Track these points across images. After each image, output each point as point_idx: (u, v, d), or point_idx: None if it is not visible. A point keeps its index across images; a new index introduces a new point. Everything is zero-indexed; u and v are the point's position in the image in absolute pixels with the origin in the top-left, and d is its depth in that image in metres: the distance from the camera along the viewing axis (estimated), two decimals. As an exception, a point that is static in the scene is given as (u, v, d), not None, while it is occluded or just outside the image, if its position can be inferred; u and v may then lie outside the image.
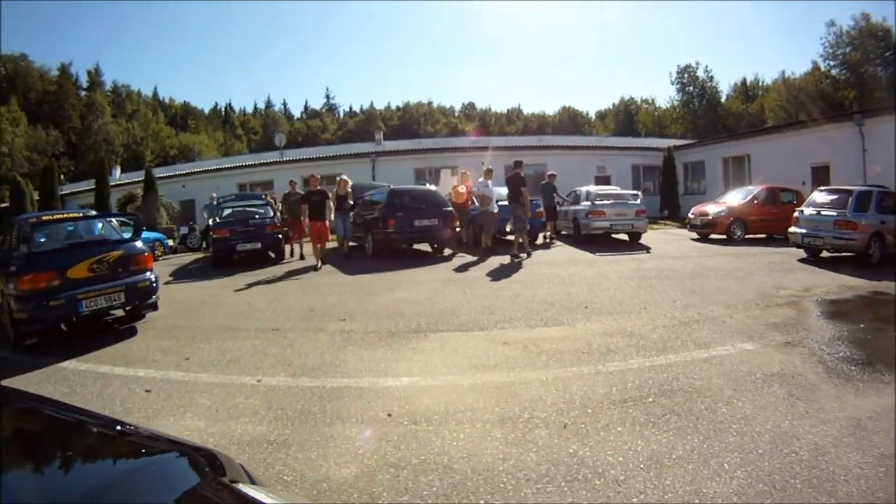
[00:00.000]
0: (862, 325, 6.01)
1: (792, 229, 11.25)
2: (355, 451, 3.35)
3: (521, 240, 11.92)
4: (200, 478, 1.14)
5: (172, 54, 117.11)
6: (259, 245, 13.06)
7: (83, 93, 65.24)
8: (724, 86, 62.94)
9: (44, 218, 7.89)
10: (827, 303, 7.19)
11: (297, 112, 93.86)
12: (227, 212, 14.16)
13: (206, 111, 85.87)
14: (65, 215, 8.64)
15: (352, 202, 13.12)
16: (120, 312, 7.43)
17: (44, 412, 1.52)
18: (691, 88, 57.45)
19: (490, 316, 6.72)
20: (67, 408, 1.58)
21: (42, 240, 7.19)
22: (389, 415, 3.86)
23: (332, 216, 12.47)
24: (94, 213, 10.56)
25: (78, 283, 6.55)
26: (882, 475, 2.88)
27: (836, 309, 6.91)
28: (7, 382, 4.98)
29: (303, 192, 13.39)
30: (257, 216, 13.75)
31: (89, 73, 67.38)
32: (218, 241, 13.11)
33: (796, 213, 11.37)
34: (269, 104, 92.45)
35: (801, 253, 11.24)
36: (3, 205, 33.02)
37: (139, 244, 7.50)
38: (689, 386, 4.21)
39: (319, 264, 11.67)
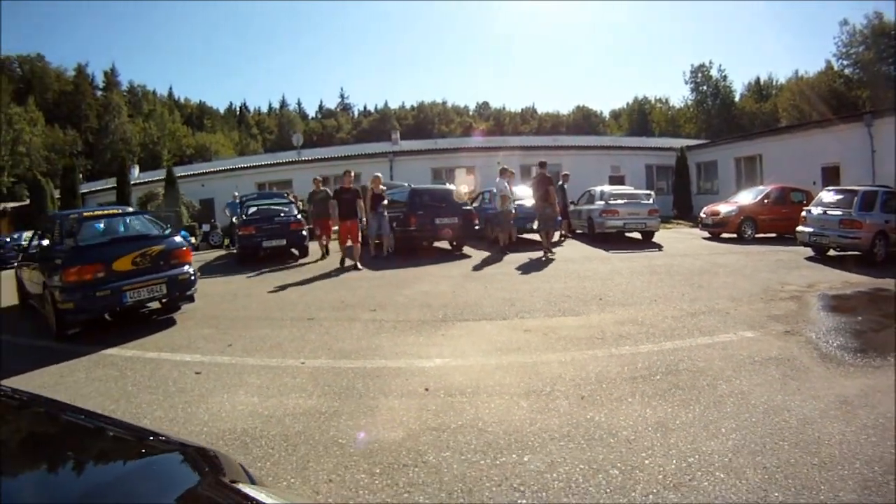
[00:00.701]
0: (859, 318, 6.40)
1: (799, 228, 11.60)
2: (400, 418, 3.84)
3: (550, 237, 12.39)
4: (200, 478, 1.15)
5: (187, 54, 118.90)
6: (284, 242, 13.49)
7: (99, 93, 65.81)
8: (738, 85, 63.10)
9: (85, 214, 8.22)
10: (828, 297, 7.57)
11: (311, 111, 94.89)
12: (252, 209, 14.57)
13: (222, 111, 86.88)
14: (105, 212, 8.94)
15: (386, 201, 12.76)
16: (155, 304, 7.77)
17: (43, 412, 1.54)
18: (705, 88, 57.51)
19: (511, 307, 7.20)
20: (67, 407, 1.58)
21: (86, 234, 7.46)
22: (427, 389, 4.35)
23: (365, 216, 12.26)
24: (131, 210, 11.09)
25: (122, 275, 6.93)
26: (863, 441, 3.30)
27: (837, 303, 7.28)
28: (56, 368, 5.49)
29: (329, 191, 13.12)
30: (282, 214, 14.19)
31: (105, 73, 68.38)
32: (244, 238, 13.51)
33: (804, 213, 11.72)
34: (283, 104, 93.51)
35: (809, 251, 11.58)
36: (24, 203, 33.78)
37: (178, 239, 7.91)
38: (692, 366, 4.67)
39: (348, 262, 11.39)
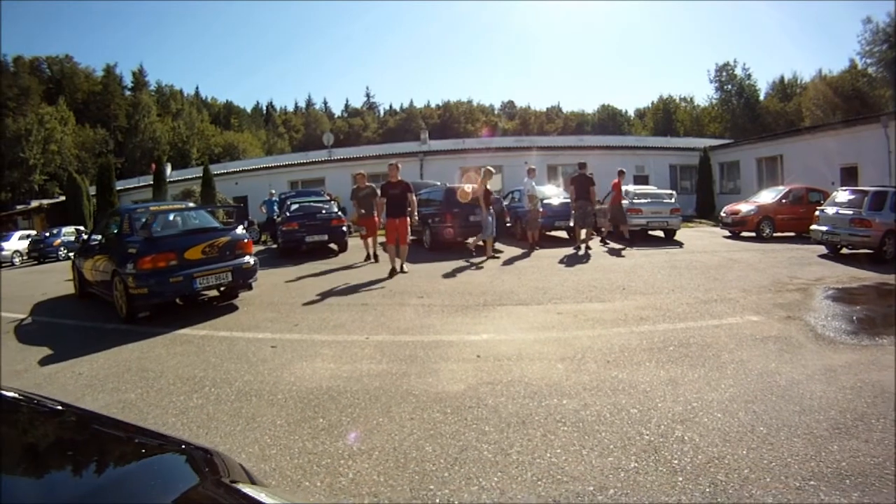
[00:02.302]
0: (858, 308, 7.11)
1: (813, 227, 12.22)
2: (459, 376, 4.73)
3: (591, 233, 13.32)
4: (200, 478, 1.15)
5: (213, 54, 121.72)
6: (326, 237, 14.40)
7: (128, 93, 67.23)
8: (763, 84, 62.58)
9: (152, 209, 8.64)
10: (832, 289, 8.26)
11: (337, 110, 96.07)
12: (294, 206, 15.48)
13: (249, 110, 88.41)
14: (172, 206, 9.74)
15: (499, 198, 11.85)
16: (213, 292, 8.39)
17: (43, 412, 1.55)
18: (729, 87, 57.26)
19: (543, 294, 8.09)
20: (67, 407, 1.59)
21: (158, 226, 7.99)
22: (478, 356, 5.25)
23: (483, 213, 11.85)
24: (192, 205, 12.04)
25: (193, 263, 7.59)
26: (840, 398, 4.05)
27: (839, 295, 7.95)
28: (135, 345, 6.23)
29: (375, 187, 12.18)
30: (324, 210, 15.14)
31: (133, 73, 69.97)
32: (287, 233, 14.41)
33: (817, 212, 12.33)
34: (309, 103, 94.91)
35: (823, 249, 12.18)
36: (58, 200, 35.25)
37: (240, 231, 8.59)
38: (701, 341, 5.51)
39: (400, 267, 10.48)
